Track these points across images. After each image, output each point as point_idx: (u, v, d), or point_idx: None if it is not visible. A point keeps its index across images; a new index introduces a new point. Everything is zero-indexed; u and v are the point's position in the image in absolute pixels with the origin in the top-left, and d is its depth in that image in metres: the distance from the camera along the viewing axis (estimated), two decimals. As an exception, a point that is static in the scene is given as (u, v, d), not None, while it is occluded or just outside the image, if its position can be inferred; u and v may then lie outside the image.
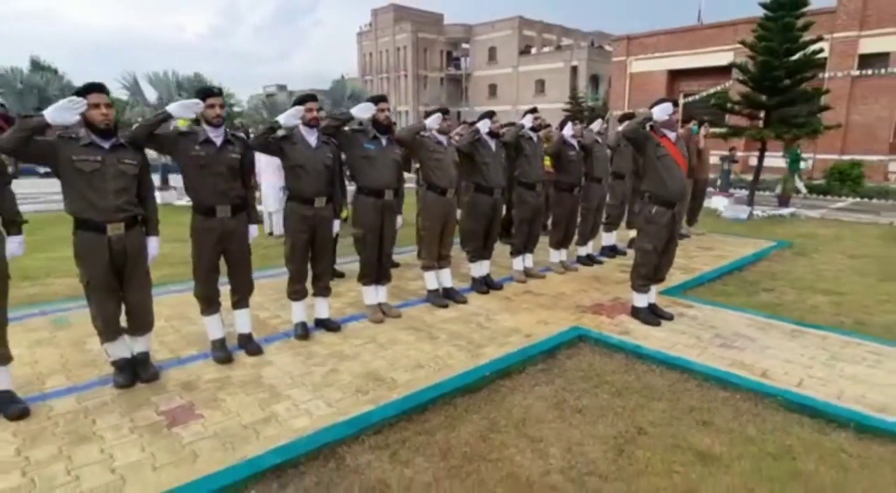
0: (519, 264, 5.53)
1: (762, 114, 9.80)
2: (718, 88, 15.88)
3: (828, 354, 3.71)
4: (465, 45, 53.43)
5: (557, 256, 5.89)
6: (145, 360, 3.25)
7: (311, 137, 3.76)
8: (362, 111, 3.85)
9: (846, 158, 14.62)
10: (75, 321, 4.08)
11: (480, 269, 5.13)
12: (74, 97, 2.74)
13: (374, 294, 4.37)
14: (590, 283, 5.47)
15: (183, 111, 3.16)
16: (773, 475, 2.42)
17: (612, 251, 6.70)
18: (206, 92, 3.27)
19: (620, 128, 4.09)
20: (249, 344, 3.64)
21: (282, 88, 39.97)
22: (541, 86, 45.90)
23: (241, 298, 3.61)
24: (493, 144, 4.86)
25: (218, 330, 3.54)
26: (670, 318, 4.33)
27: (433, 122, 4.40)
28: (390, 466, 2.45)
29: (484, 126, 4.70)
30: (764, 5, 9.55)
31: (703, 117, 7.80)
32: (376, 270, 4.25)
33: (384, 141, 4.07)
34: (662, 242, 4.16)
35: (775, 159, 12.63)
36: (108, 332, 3.09)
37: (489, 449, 2.62)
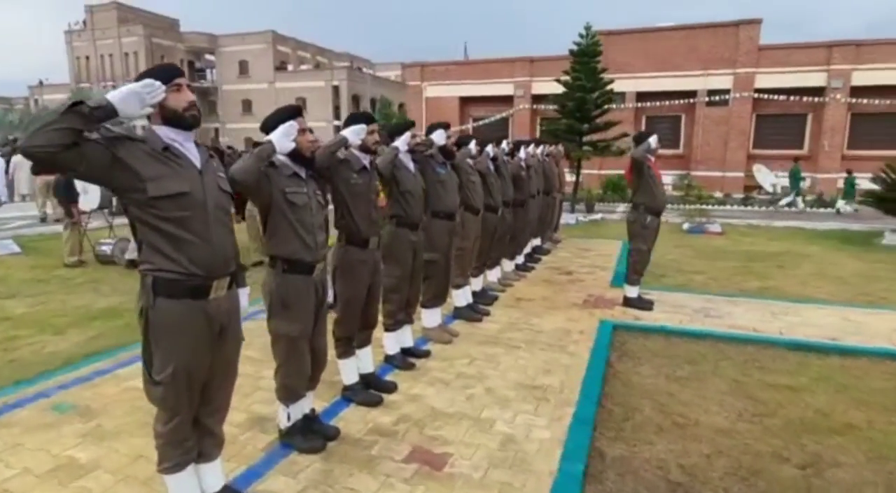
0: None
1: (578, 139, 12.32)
2: (503, 114, 18.67)
3: (767, 312, 5.26)
4: (209, 57, 49.68)
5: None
6: (316, 416, 2.88)
7: (410, 164, 3.72)
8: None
9: (699, 173, 18.88)
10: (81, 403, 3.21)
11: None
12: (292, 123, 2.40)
13: (433, 316, 4.43)
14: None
15: (354, 137, 2.94)
16: (841, 386, 3.62)
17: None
18: (370, 118, 3.08)
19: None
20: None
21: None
22: (302, 103, 45.40)
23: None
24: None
25: (364, 368, 3.31)
26: (652, 303, 5.44)
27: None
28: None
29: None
30: (572, 52, 12.02)
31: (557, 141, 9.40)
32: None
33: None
34: (653, 243, 5.26)
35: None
36: (300, 389, 2.69)
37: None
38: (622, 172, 18.35)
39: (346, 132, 2.92)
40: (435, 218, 4.10)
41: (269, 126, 2.43)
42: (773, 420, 3.26)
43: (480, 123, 19.24)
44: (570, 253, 8.41)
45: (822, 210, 14.93)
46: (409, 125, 3.75)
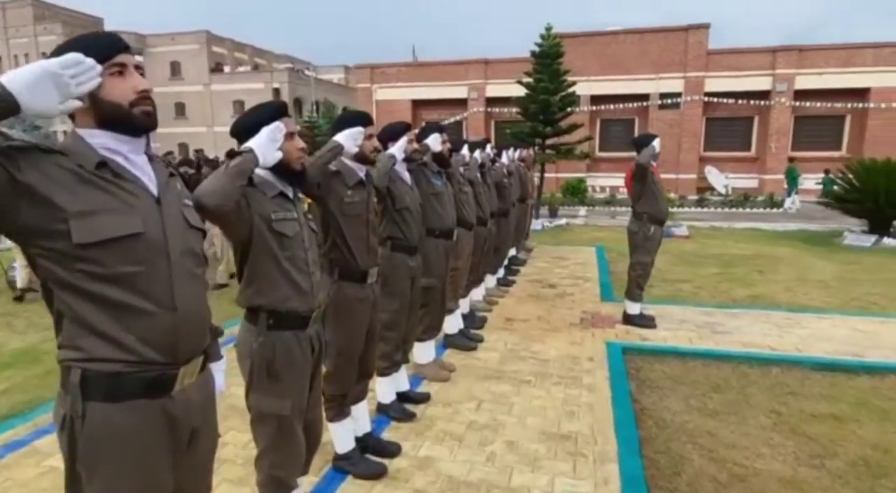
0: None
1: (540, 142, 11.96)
2: (457, 117, 18.22)
3: (772, 325, 4.95)
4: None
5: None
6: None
7: (406, 174, 3.12)
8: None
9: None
10: None
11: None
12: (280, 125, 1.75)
13: (427, 351, 3.82)
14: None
15: (350, 143, 2.31)
16: (883, 413, 3.27)
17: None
18: (367, 119, 2.45)
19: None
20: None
21: None
22: (240, 106, 43.47)
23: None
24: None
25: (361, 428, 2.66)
26: (653, 319, 5.03)
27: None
28: None
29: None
30: (534, 54, 11.67)
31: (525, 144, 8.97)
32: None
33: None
34: (655, 255, 4.84)
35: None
36: (292, 480, 2.02)
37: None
38: (580, 175, 18.55)
39: (341, 137, 2.30)
40: (430, 237, 3.50)
41: (245, 128, 1.80)
42: (836, 462, 2.86)
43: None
44: (546, 263, 7.98)
45: (773, 210, 15.29)
46: (406, 127, 3.15)
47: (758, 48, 18.69)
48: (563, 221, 12.51)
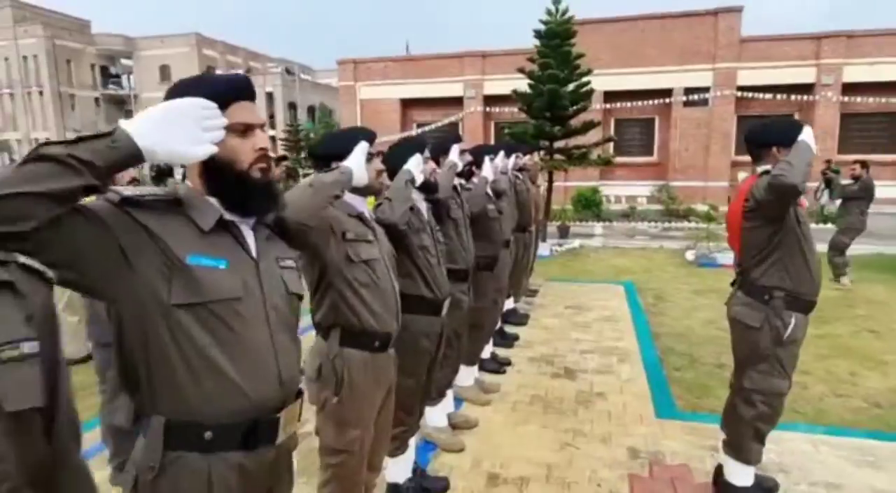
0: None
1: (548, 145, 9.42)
2: (452, 118, 15.74)
3: None
4: (126, 61, 45.54)
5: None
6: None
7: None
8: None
9: (677, 184, 16.24)
10: None
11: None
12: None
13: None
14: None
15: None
16: None
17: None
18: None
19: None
20: None
21: None
22: (231, 112, 42.09)
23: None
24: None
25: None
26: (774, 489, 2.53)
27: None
28: None
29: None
30: (539, 34, 9.17)
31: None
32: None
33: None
34: (794, 369, 2.33)
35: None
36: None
37: None
38: (592, 183, 16.04)
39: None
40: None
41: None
42: None
43: (425, 129, 16.19)
44: (558, 318, 5.51)
45: (827, 226, 12.69)
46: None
47: (799, 35, 16.08)
48: (575, 242, 10.01)
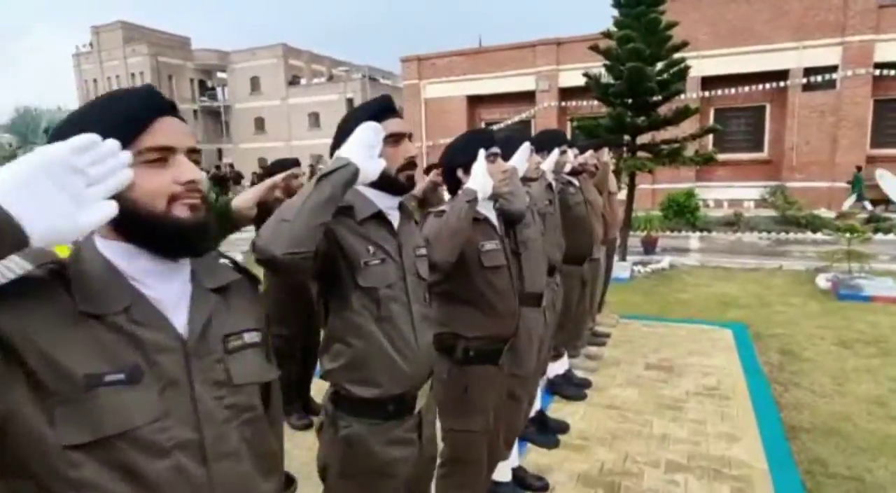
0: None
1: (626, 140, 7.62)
2: (523, 115, 14.15)
3: None
4: (221, 75, 48.23)
5: None
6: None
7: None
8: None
9: (795, 184, 14.06)
10: None
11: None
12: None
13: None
14: None
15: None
16: None
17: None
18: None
19: None
20: None
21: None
22: (315, 119, 43.24)
23: None
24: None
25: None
26: None
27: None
28: None
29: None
30: (617, 1, 7.41)
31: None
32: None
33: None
34: None
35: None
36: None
37: None
38: (686, 185, 13.65)
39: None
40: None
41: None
42: None
43: (494, 128, 14.73)
44: (633, 385, 3.89)
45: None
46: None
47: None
48: (664, 261, 8.09)
